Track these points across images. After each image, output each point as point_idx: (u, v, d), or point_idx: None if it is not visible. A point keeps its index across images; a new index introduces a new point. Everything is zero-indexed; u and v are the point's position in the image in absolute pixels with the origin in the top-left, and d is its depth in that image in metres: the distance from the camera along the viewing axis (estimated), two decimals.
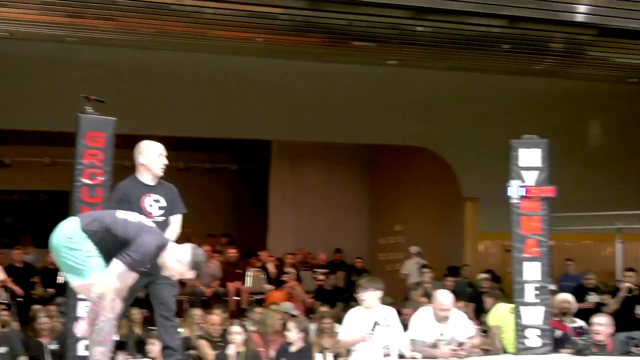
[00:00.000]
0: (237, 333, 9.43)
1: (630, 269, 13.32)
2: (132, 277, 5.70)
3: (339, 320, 10.71)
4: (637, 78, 17.44)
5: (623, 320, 11.68)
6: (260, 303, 13.80)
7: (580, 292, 12.87)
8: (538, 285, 9.65)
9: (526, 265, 9.70)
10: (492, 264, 17.55)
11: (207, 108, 16.11)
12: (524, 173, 9.80)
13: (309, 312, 14.32)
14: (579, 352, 9.28)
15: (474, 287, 15.02)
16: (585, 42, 15.03)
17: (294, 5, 12.41)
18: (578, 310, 11.83)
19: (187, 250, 5.88)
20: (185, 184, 8.57)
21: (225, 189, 20.45)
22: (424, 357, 8.81)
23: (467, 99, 17.57)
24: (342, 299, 15.22)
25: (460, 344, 9.01)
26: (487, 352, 10.19)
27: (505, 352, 10.05)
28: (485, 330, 11.38)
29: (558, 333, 10.06)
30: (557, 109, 17.75)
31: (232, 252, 16.24)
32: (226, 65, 16.11)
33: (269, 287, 15.69)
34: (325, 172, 20.27)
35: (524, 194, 9.69)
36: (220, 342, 9.74)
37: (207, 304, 13.74)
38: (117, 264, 5.57)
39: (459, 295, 12.21)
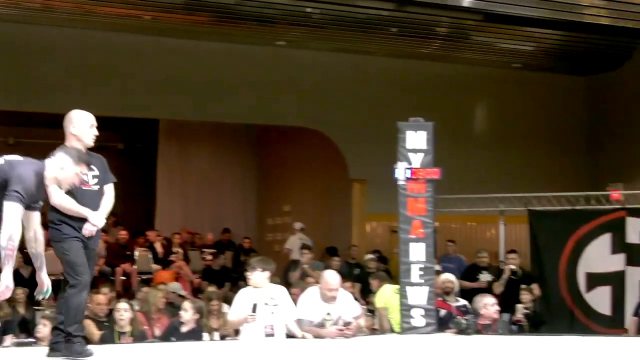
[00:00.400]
0: (124, 310, 9.31)
1: (513, 251, 13.48)
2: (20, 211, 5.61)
3: (226, 300, 10.67)
4: (521, 63, 17.78)
5: (507, 302, 11.89)
6: (147, 283, 13.63)
7: (472, 272, 12.95)
8: (423, 265, 9.76)
9: (412, 246, 9.80)
10: (379, 244, 17.70)
11: (93, 85, 15.79)
12: (410, 155, 9.88)
13: (197, 292, 14.24)
14: (462, 332, 9.39)
15: (362, 268, 15.13)
16: (471, 27, 15.25)
17: None
18: (471, 289, 12.00)
19: (61, 154, 6.01)
20: None
21: (112, 167, 20.10)
22: (314, 337, 8.82)
23: (356, 81, 17.65)
24: (229, 279, 15.19)
25: (347, 324, 9.03)
26: (374, 331, 10.27)
27: (392, 331, 10.14)
28: (371, 311, 11.46)
29: (442, 312, 10.18)
30: (443, 92, 17.96)
31: (123, 234, 15.99)
32: (114, 43, 15.81)
33: (156, 266, 15.55)
34: (214, 152, 20.18)
35: (410, 175, 9.77)
36: (106, 322, 9.60)
37: (92, 284, 13.49)
38: (7, 206, 5.52)
39: (345, 275, 12.30)
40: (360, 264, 15.47)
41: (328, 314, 9.03)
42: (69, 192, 6.41)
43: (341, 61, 17.42)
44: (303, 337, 8.83)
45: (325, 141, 17.97)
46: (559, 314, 14.12)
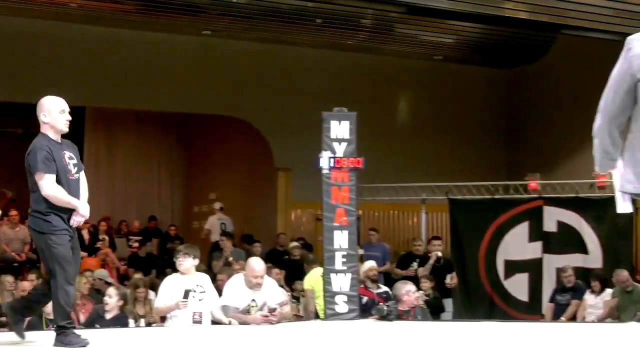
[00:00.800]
0: (113, 297, 9.25)
1: (436, 237, 13.55)
2: None
3: (153, 287, 10.65)
4: (443, 56, 17.97)
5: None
6: None
7: (407, 260, 12.92)
8: (346, 253, 9.86)
9: (336, 234, 9.89)
10: (303, 232, 17.78)
11: (20, 72, 15.57)
12: (334, 144, 9.96)
13: (123, 279, 14.17)
14: (383, 318, 9.50)
15: (289, 255, 15.20)
16: (394, 20, 15.37)
17: None
18: (406, 277, 12.08)
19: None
20: None
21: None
22: (240, 323, 8.86)
23: (281, 71, 17.66)
24: (156, 266, 15.14)
25: (272, 310, 9.09)
26: (298, 318, 10.35)
27: (317, 316, 10.22)
28: (297, 297, 11.54)
29: (364, 299, 10.28)
30: (367, 83, 18.06)
31: None
32: (39, 30, 15.61)
33: (82, 253, 15.40)
34: (141, 140, 20.01)
35: (333, 165, 9.85)
36: None
37: (19, 271, 13.35)
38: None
39: (275, 263, 12.38)
40: (288, 251, 15.54)
41: (253, 300, 9.09)
42: (60, 183, 6.36)
43: (267, 51, 17.42)
44: (229, 324, 8.88)
45: (250, 130, 17.98)
46: (479, 300, 14.35)
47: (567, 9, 13.40)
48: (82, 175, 6.73)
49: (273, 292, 9.34)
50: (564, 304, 12.63)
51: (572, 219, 13.91)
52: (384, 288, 10.99)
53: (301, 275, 13.09)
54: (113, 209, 18.54)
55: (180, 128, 20.58)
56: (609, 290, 12.43)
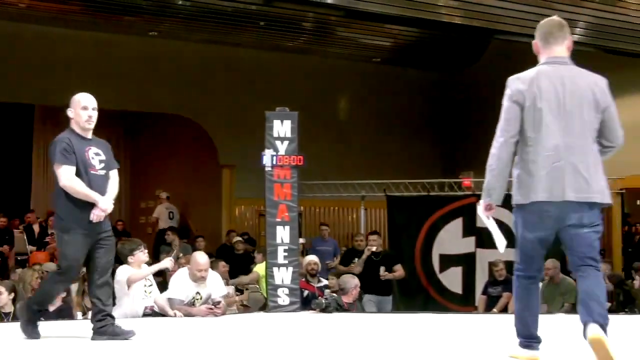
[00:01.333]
0: (3, 291, 9.15)
1: (374, 232, 13.57)
2: None
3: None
4: (380, 58, 18.08)
5: (368, 282, 12.04)
6: (23, 264, 13.41)
7: (350, 256, 12.89)
8: (287, 247, 9.92)
9: (278, 229, 9.95)
10: (247, 227, 17.83)
11: None
12: (276, 143, 10.02)
13: None
14: (323, 310, 9.58)
15: (233, 250, 15.21)
16: (334, 23, 15.45)
17: None
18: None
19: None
20: None
21: None
22: (185, 315, 8.87)
23: (226, 71, 17.65)
24: None
25: (216, 303, 9.11)
26: (246, 308, 10.37)
27: (265, 305, 10.27)
28: (240, 290, 11.56)
29: (306, 292, 10.35)
30: (309, 83, 18.13)
31: (3, 220, 15.75)
32: None
33: (31, 248, 15.34)
34: None
35: (276, 162, 9.91)
36: None
37: None
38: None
39: (224, 258, 12.37)
40: (233, 246, 15.55)
41: (198, 293, 9.11)
42: (81, 177, 6.23)
43: (212, 52, 17.40)
44: (174, 316, 8.88)
45: (196, 128, 17.95)
46: (415, 292, 14.48)
47: (499, 15, 13.57)
48: (113, 173, 6.60)
49: (217, 285, 9.35)
50: (496, 296, 12.76)
51: (504, 215, 14.06)
52: (324, 282, 11.06)
53: (245, 269, 13.12)
54: None
55: (126, 126, 20.45)
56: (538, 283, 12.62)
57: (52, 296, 6.54)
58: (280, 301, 9.93)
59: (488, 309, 12.73)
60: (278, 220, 9.99)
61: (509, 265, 13.22)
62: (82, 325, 8.60)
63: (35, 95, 17.05)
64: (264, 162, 10.05)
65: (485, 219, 5.24)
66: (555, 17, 5.31)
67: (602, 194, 4.91)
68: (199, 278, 9.14)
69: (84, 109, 6.39)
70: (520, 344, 5.10)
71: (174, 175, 19.48)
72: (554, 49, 5.14)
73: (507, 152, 4.89)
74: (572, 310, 11.68)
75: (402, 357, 5.65)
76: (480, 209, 5.19)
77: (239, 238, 15.56)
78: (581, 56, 17.48)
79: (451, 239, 14.54)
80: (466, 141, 18.57)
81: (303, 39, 16.58)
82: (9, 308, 9.14)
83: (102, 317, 6.32)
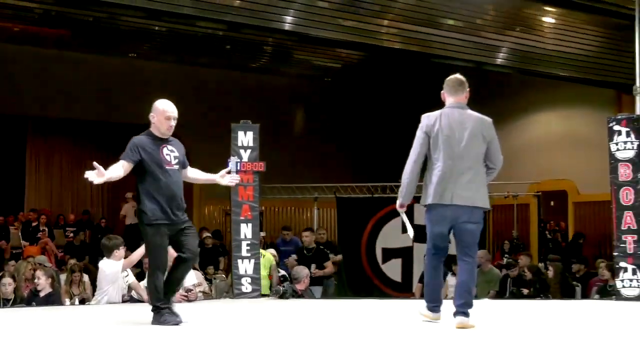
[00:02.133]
0: (8, 284, 9.11)
1: (308, 229, 13.30)
2: None
3: (86, 271, 10.58)
4: (331, 77, 18.17)
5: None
6: (17, 257, 13.32)
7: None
8: (250, 242, 9.98)
9: (242, 226, 10.01)
10: (215, 224, 17.84)
11: None
12: (241, 151, 10.10)
13: (60, 264, 14.01)
14: (281, 297, 9.66)
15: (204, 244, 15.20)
16: (291, 47, 15.51)
17: None
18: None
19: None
20: None
21: None
22: None
23: (196, 89, 17.65)
24: (88, 253, 15.02)
25: (188, 291, 9.13)
26: (208, 296, 10.38)
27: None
28: (209, 280, 11.56)
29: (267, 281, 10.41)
30: (269, 99, 18.19)
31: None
32: None
33: (25, 242, 15.27)
34: (74, 146, 19.52)
35: (240, 168, 9.97)
36: None
37: None
38: None
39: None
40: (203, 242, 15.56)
41: None
42: (153, 172, 6.13)
43: (183, 71, 17.42)
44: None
45: None
46: (361, 280, 14.57)
47: (434, 41, 13.71)
48: (192, 170, 6.70)
49: (189, 276, 9.36)
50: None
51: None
52: (282, 272, 11.11)
53: (213, 261, 13.14)
54: (52, 204, 18.22)
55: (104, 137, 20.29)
56: None
57: (161, 287, 6.12)
58: (243, 289, 9.97)
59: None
60: (242, 218, 10.05)
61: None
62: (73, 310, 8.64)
63: (29, 107, 17.00)
64: (229, 168, 10.05)
65: (401, 213, 6.33)
66: (458, 75, 6.24)
67: (483, 201, 6.00)
68: None
69: (167, 118, 6.25)
70: (427, 307, 6.19)
71: None
72: (456, 98, 6.13)
73: (417, 168, 6.01)
74: (496, 296, 11.88)
75: (348, 333, 5.73)
76: (397, 206, 6.26)
77: (208, 234, 15.57)
78: (504, 77, 17.69)
79: (392, 234, 14.64)
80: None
81: (264, 61, 16.63)
82: (47, 290, 9.13)
83: (164, 304, 6.19)
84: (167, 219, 6.10)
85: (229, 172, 6.89)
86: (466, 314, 5.80)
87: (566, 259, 14.59)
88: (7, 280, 9.23)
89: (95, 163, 5.96)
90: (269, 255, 11.10)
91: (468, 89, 6.19)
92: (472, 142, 5.94)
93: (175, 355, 4.71)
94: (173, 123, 6.27)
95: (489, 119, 6.18)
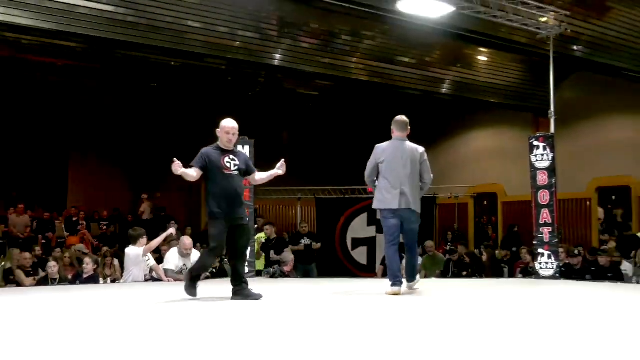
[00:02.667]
0: (53, 266, 9.11)
1: (268, 223, 12.93)
2: None
3: (116, 256, 10.58)
4: (311, 103, 18.16)
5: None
6: (61, 245, 13.27)
7: (296, 238, 12.93)
8: None
9: None
10: None
11: None
12: None
13: (95, 250, 13.95)
14: (271, 277, 9.68)
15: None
16: (279, 79, 15.52)
17: None
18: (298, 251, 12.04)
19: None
20: None
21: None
22: (175, 281, 8.87)
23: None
24: (118, 242, 14.96)
25: None
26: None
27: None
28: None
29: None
30: (262, 120, 18.11)
31: (46, 215, 15.65)
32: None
33: (67, 233, 15.22)
34: (105, 164, 19.49)
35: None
36: (31, 272, 9.32)
37: (23, 246, 13.00)
38: None
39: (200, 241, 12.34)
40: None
41: (184, 265, 9.12)
42: (215, 176, 6.09)
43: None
44: (168, 281, 8.88)
45: None
46: (335, 264, 14.63)
47: (393, 75, 13.78)
48: (258, 174, 6.58)
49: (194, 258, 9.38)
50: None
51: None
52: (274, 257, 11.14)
53: None
54: (89, 203, 18.11)
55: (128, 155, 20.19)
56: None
57: (207, 267, 6.13)
58: None
59: (384, 275, 12.94)
60: None
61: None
62: (108, 287, 8.61)
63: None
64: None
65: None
66: (404, 117, 6.94)
67: (417, 207, 6.78)
68: (186, 254, 9.17)
69: (226, 133, 6.24)
70: (390, 284, 6.63)
71: (169, 185, 19.29)
72: (401, 134, 6.90)
73: (369, 181, 6.95)
74: (441, 276, 11.95)
75: (328, 303, 5.78)
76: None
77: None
78: (448, 103, 17.67)
79: (359, 227, 14.76)
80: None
81: (258, 89, 16.63)
82: (89, 272, 9.22)
83: (240, 282, 6.18)
84: (225, 215, 6.04)
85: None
86: (414, 281, 7.01)
87: (506, 246, 14.78)
88: (52, 263, 9.23)
89: (175, 159, 5.92)
90: (258, 237, 11.18)
91: (409, 128, 6.93)
92: (410, 165, 6.76)
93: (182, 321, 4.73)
94: (232, 137, 6.26)
95: (422, 148, 6.93)
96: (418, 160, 6.83)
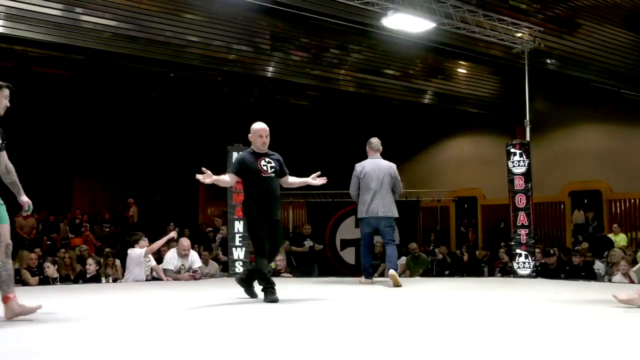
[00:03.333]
0: (50, 266, 9.03)
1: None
2: None
3: (117, 256, 10.51)
4: (302, 112, 18.15)
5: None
6: (66, 247, 13.18)
7: (299, 239, 12.89)
8: (241, 235, 9.93)
9: (235, 223, 9.96)
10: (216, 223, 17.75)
11: None
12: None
13: (98, 251, 13.88)
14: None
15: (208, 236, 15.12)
16: (272, 90, 15.51)
17: None
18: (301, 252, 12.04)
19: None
20: None
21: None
22: (174, 280, 8.84)
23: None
24: (120, 243, 14.88)
25: (195, 271, 9.11)
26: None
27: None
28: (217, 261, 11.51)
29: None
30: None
31: (52, 218, 15.57)
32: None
33: (71, 235, 15.15)
34: (105, 175, 19.42)
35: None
36: (36, 271, 9.24)
37: (28, 247, 12.91)
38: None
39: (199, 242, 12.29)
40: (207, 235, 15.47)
41: (182, 265, 9.08)
42: (253, 179, 5.83)
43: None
44: (167, 280, 8.84)
45: None
46: (325, 264, 14.59)
47: (378, 86, 13.81)
48: (290, 177, 6.21)
49: (195, 260, 9.35)
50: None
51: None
52: None
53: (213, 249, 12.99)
54: (93, 207, 18.05)
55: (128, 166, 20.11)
56: (403, 257, 12.78)
57: (263, 269, 5.73)
58: (237, 270, 9.92)
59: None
60: (235, 217, 10.00)
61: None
62: (116, 286, 8.55)
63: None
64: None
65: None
66: (376, 139, 7.86)
67: (393, 213, 7.69)
68: (184, 255, 9.14)
69: (259, 136, 5.96)
70: (364, 276, 7.94)
71: (171, 188, 19.27)
72: (375, 153, 7.88)
73: (355, 197, 7.87)
74: (423, 275, 11.95)
75: (321, 295, 5.77)
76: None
77: (210, 229, 15.51)
78: (429, 114, 17.62)
79: (348, 229, 14.71)
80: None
81: (252, 100, 16.59)
82: (92, 272, 9.13)
83: (269, 284, 5.80)
84: (263, 215, 5.78)
85: (319, 176, 6.42)
86: (395, 269, 7.52)
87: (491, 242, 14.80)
88: (47, 264, 9.16)
89: (203, 168, 5.73)
90: None
91: (381, 148, 7.81)
92: (385, 179, 7.67)
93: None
94: (265, 140, 5.97)
95: (394, 164, 7.83)
96: (391, 174, 7.73)
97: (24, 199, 4.85)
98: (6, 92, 4.59)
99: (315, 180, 6.32)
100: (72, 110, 16.32)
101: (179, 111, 17.13)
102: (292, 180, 6.31)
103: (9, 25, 9.47)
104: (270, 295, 5.63)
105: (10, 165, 4.77)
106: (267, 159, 5.97)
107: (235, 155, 10.05)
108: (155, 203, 18.38)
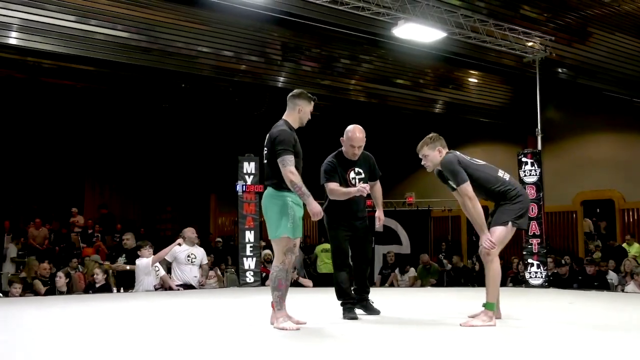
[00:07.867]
0: (63, 276, 9.06)
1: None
2: None
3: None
4: (313, 122, 18.13)
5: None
6: (78, 256, 13.23)
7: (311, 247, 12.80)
8: (252, 245, 9.97)
9: (246, 233, 10.00)
10: (227, 232, 17.77)
11: None
12: (246, 176, 10.12)
13: (112, 261, 13.91)
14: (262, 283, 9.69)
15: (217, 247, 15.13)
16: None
17: None
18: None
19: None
20: None
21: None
22: (185, 289, 8.85)
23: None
24: (131, 253, 14.92)
25: (202, 265, 9.24)
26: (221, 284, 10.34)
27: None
28: (222, 272, 11.51)
29: (264, 274, 10.39)
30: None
31: (64, 230, 15.56)
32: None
33: (83, 245, 15.16)
34: (122, 183, 19.50)
35: (245, 189, 9.98)
36: (48, 281, 9.27)
37: (40, 257, 12.95)
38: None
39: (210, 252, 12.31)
40: (216, 245, 15.50)
41: (192, 253, 9.26)
42: (340, 186, 5.41)
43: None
44: (177, 289, 8.85)
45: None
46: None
47: (389, 96, 13.80)
48: (377, 184, 5.70)
49: (203, 255, 9.50)
50: (387, 275, 12.93)
51: (391, 223, 14.30)
52: None
53: (223, 259, 13.04)
54: (103, 218, 18.10)
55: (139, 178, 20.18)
56: (412, 269, 12.74)
57: (344, 281, 5.36)
58: (247, 280, 9.96)
59: (382, 284, 12.91)
60: (246, 227, 10.05)
61: (396, 255, 13.46)
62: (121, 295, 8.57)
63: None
64: (237, 189, 10.10)
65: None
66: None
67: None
68: (193, 243, 9.26)
69: (351, 146, 5.49)
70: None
71: (180, 198, 19.32)
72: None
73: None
74: (435, 285, 11.91)
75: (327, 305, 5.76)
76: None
77: (219, 239, 15.51)
78: (440, 123, 17.67)
79: None
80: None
81: (263, 110, 16.61)
82: (101, 282, 9.14)
83: (363, 296, 5.58)
84: (346, 225, 5.45)
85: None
86: None
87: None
88: (60, 274, 9.17)
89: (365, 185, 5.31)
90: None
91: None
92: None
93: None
94: (357, 151, 5.49)
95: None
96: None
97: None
98: None
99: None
100: (84, 121, 16.41)
101: (190, 121, 17.18)
102: (377, 189, 5.75)
103: (23, 37, 9.56)
104: (345, 312, 5.35)
105: None
106: (357, 169, 5.58)
107: (245, 165, 10.12)
108: (168, 212, 18.43)
